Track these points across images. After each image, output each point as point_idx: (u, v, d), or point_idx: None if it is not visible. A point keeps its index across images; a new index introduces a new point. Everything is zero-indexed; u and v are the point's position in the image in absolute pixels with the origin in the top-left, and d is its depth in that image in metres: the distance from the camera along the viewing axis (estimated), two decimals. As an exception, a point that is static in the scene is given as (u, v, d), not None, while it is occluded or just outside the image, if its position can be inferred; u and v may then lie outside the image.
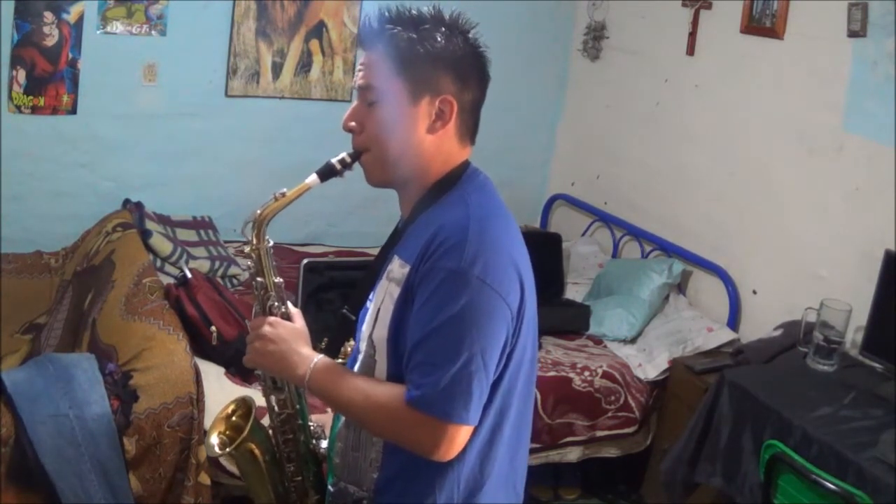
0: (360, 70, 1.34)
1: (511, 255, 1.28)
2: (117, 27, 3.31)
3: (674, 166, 3.60)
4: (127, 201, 3.42)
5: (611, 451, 3.01)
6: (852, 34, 2.78)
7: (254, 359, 1.38)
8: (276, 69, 3.66)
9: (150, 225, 3.22)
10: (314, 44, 3.70)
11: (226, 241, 3.51)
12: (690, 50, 3.50)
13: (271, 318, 1.38)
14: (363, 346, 1.36)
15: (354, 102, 1.36)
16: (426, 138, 1.32)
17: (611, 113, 4.00)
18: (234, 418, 1.53)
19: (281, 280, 1.44)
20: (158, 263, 3.15)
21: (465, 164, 1.37)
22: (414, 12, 1.31)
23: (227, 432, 1.51)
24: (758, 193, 3.20)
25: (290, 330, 1.38)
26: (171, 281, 2.80)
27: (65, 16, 3.21)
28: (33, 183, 3.33)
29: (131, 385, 2.30)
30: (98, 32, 3.29)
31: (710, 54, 3.43)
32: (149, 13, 3.35)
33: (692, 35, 3.48)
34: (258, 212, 1.40)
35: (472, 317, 1.21)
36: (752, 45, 3.20)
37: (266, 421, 1.54)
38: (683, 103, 3.56)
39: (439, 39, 1.29)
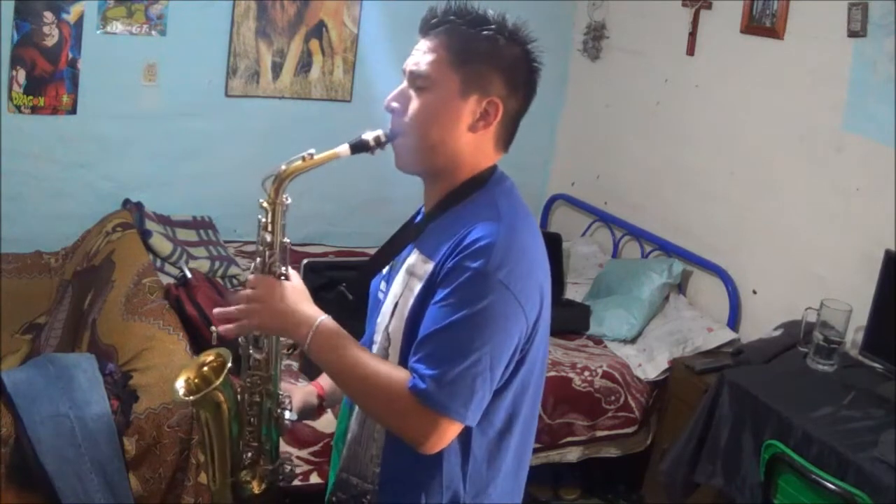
0: (415, 54, 1.34)
1: (535, 267, 1.29)
2: (117, 27, 3.31)
3: (674, 166, 3.60)
4: (127, 201, 3.42)
5: (611, 451, 3.01)
6: (852, 34, 2.78)
7: (253, 322, 1.32)
8: (276, 69, 3.66)
9: (150, 225, 3.22)
10: (314, 44, 3.70)
11: (226, 241, 3.51)
12: (690, 50, 3.50)
13: (270, 279, 1.34)
14: (378, 337, 1.35)
15: (403, 84, 1.35)
16: (466, 135, 1.32)
17: (611, 113, 4.00)
18: (205, 368, 1.48)
19: (288, 240, 1.40)
20: (158, 263, 3.15)
21: (494, 168, 1.38)
22: (480, 12, 1.32)
23: (196, 380, 1.47)
24: (758, 193, 3.20)
25: (292, 288, 1.34)
26: (171, 281, 2.80)
27: (65, 16, 3.21)
28: (33, 183, 3.32)
29: (131, 385, 2.30)
30: (98, 32, 3.29)
31: (710, 54, 3.43)
32: (149, 13, 3.35)
33: (692, 35, 3.48)
34: (283, 167, 1.35)
35: (489, 319, 1.21)
36: (752, 45, 3.20)
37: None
38: (683, 103, 3.56)
39: (500, 42, 1.31)
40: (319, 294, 1.41)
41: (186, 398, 1.44)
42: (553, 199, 4.31)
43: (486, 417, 1.28)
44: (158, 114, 3.47)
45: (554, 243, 3.61)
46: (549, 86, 4.99)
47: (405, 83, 1.35)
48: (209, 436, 1.48)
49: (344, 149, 1.33)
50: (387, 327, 1.33)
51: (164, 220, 3.39)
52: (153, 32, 3.37)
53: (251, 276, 1.36)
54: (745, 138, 3.26)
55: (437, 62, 1.30)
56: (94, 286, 2.84)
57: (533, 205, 4.32)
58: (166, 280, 2.86)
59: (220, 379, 1.42)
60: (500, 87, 1.31)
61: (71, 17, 3.22)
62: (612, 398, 2.93)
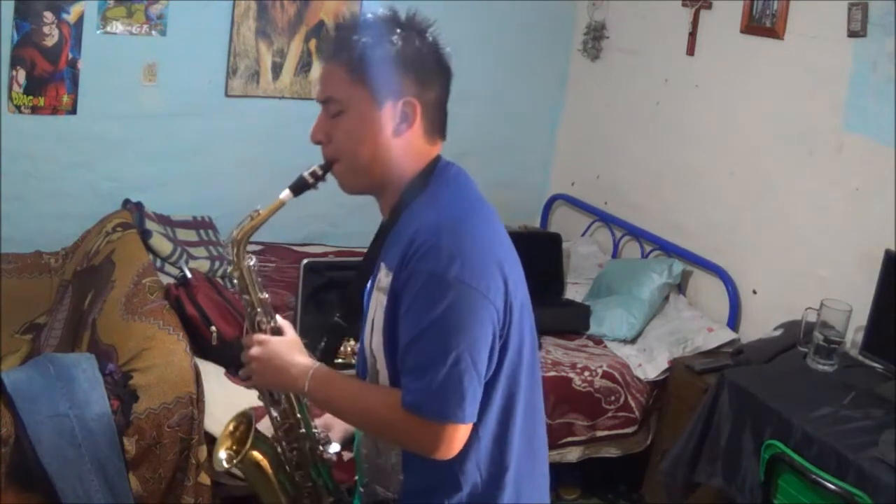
0: (320, 83, 1.34)
1: (489, 249, 1.28)
2: (117, 27, 3.31)
3: (674, 166, 3.60)
4: (127, 201, 3.42)
5: (611, 451, 3.01)
6: (852, 34, 2.78)
7: (256, 381, 1.41)
8: (276, 69, 3.66)
9: (150, 225, 3.22)
10: (314, 44, 3.70)
11: (226, 242, 3.51)
12: (690, 50, 3.50)
13: (260, 337, 1.40)
14: (367, 355, 1.37)
15: (319, 115, 1.36)
16: (393, 142, 1.32)
17: (611, 113, 4.00)
18: (237, 433, 1.54)
19: (267, 296, 1.46)
20: (158, 263, 3.15)
21: (436, 161, 1.37)
22: (369, 16, 1.31)
23: (234, 447, 1.53)
24: (758, 193, 3.20)
25: (282, 343, 1.40)
26: (171, 281, 2.80)
27: (65, 16, 3.21)
28: (33, 183, 3.32)
29: (131, 385, 2.30)
30: (98, 32, 3.29)
31: (710, 54, 3.43)
32: (149, 13, 3.35)
33: (692, 35, 3.48)
34: (234, 233, 1.41)
35: (455, 317, 1.22)
36: (752, 45, 3.20)
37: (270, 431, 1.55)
38: (683, 103, 3.56)
39: (396, 42, 1.29)
40: (319, 294, 1.44)
41: (229, 466, 1.50)
42: (553, 199, 4.31)
43: (485, 407, 1.29)
44: (158, 114, 3.47)
45: (554, 243, 3.61)
46: (549, 86, 4.99)
47: (321, 113, 1.35)
48: (261, 491, 1.53)
49: (286, 194, 1.36)
50: (370, 344, 1.35)
51: (164, 220, 3.39)
52: (153, 32, 3.37)
53: (245, 338, 1.42)
54: (745, 138, 3.26)
55: (341, 84, 1.30)
56: (94, 286, 2.84)
57: (533, 205, 4.33)
58: (166, 280, 2.86)
59: (250, 439, 1.47)
60: (411, 84, 1.30)
61: (71, 17, 3.22)
62: (612, 398, 2.93)
